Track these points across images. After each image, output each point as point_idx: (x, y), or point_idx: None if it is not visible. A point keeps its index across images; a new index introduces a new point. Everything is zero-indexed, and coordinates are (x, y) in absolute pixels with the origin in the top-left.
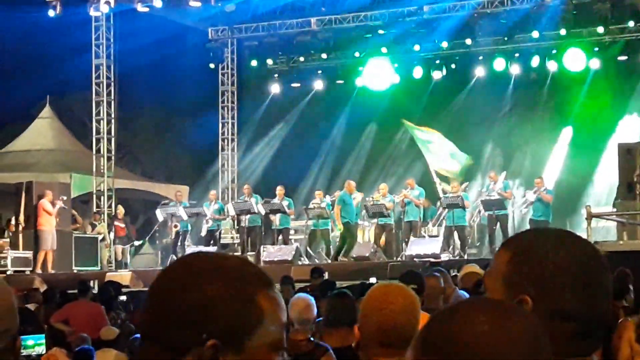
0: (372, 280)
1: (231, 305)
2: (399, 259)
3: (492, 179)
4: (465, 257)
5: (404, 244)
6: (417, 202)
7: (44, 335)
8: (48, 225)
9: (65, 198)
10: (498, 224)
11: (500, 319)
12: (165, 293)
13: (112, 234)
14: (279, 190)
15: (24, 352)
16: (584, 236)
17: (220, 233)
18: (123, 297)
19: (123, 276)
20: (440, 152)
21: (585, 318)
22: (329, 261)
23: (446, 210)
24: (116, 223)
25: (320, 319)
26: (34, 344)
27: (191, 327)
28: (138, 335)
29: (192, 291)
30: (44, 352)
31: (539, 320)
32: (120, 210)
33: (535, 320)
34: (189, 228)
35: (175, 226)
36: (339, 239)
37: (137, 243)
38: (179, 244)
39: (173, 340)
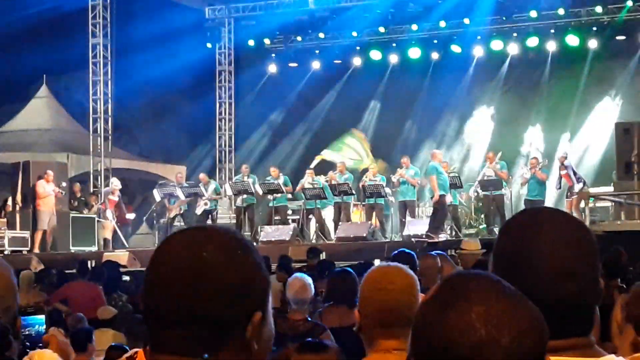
0: (377, 262)
1: (259, 276)
2: (396, 238)
3: (489, 159)
4: (462, 237)
5: (399, 224)
6: (413, 181)
7: (44, 315)
8: (44, 205)
9: (64, 184)
10: (495, 204)
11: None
12: (202, 273)
13: (109, 211)
14: (273, 170)
15: (25, 332)
16: (581, 216)
17: (217, 213)
18: (126, 278)
19: (120, 256)
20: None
21: (565, 300)
22: (326, 241)
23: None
24: (111, 197)
25: (319, 298)
26: (35, 323)
27: (237, 304)
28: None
29: (230, 268)
30: (44, 332)
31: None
32: (116, 185)
33: (532, 308)
34: (187, 207)
35: (180, 209)
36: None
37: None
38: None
39: (219, 319)
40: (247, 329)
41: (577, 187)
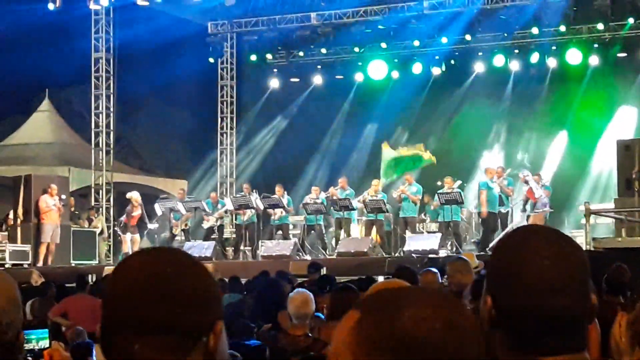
0: (380, 278)
1: (217, 288)
2: (397, 254)
3: (497, 174)
4: (462, 252)
5: (399, 240)
6: (414, 198)
7: (47, 329)
8: (48, 219)
9: (64, 197)
10: (498, 220)
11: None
12: (169, 284)
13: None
14: (278, 188)
15: (28, 346)
16: (582, 232)
17: (221, 228)
18: None
19: None
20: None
21: (556, 315)
22: (327, 256)
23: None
24: (135, 214)
25: (318, 314)
26: (38, 338)
27: (202, 313)
28: None
29: (193, 280)
30: (47, 346)
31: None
32: (137, 199)
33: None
34: (190, 223)
35: (186, 225)
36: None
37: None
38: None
39: (187, 328)
40: (209, 338)
41: (539, 209)
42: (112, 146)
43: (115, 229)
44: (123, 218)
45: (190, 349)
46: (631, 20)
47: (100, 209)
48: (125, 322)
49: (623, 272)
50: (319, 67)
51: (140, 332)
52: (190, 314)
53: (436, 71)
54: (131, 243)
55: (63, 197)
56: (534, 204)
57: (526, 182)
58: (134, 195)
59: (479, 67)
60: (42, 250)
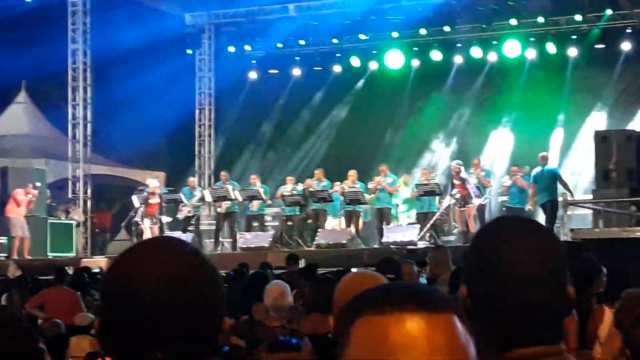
0: (354, 270)
1: (223, 285)
2: (375, 246)
3: (474, 166)
4: (440, 243)
5: (377, 231)
6: (390, 189)
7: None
8: (12, 212)
9: (39, 184)
10: (476, 212)
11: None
12: (194, 290)
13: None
14: (253, 178)
15: None
16: (559, 224)
17: (198, 219)
18: None
19: (99, 263)
20: None
21: (533, 307)
22: (305, 248)
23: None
24: (152, 201)
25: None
26: None
27: (213, 315)
28: None
29: (205, 282)
30: None
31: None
32: (156, 185)
33: None
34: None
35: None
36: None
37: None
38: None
39: (200, 333)
40: (218, 336)
41: (476, 201)
42: (89, 138)
43: (136, 219)
44: (141, 208)
45: (204, 350)
46: (609, 12)
47: (78, 201)
48: (143, 332)
49: (591, 261)
50: (298, 58)
51: (160, 343)
52: (208, 320)
53: (415, 62)
54: (150, 232)
55: (38, 184)
56: (464, 197)
57: (459, 176)
58: (153, 183)
59: (457, 59)
60: (16, 243)
